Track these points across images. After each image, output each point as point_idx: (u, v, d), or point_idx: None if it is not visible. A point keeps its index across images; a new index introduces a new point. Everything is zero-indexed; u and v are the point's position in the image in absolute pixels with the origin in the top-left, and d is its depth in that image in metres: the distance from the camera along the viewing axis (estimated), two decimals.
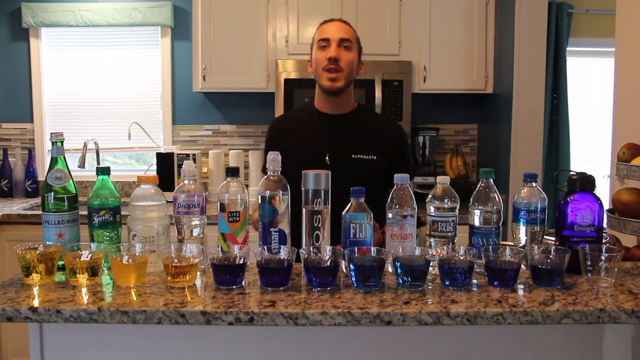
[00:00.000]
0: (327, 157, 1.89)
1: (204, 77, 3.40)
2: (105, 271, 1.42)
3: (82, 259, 1.32)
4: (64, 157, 1.47)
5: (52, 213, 1.42)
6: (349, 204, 1.40)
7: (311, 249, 1.34)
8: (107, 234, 1.44)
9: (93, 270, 1.32)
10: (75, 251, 1.34)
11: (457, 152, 3.78)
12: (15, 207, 3.27)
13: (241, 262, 1.30)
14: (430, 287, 1.30)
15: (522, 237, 1.45)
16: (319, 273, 1.29)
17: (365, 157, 1.90)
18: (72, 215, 1.44)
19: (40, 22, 3.66)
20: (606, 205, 1.53)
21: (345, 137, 1.95)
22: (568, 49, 3.67)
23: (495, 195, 1.43)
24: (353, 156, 1.89)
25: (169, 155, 3.45)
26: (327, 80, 1.91)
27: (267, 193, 1.38)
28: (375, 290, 1.27)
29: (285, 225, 1.40)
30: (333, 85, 1.91)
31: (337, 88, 1.92)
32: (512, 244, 1.45)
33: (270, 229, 1.39)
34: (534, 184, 1.46)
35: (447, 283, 1.30)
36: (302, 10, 3.40)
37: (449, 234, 1.43)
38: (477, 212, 1.43)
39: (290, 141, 1.98)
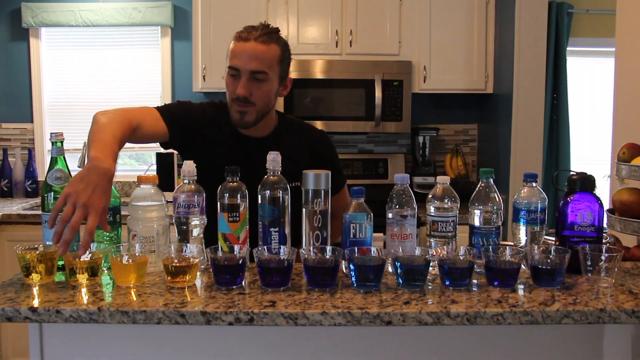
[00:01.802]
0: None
1: (204, 77, 3.40)
2: (105, 271, 1.42)
3: (81, 259, 1.32)
4: (64, 157, 1.46)
5: None
6: (349, 204, 1.40)
7: (311, 249, 1.34)
8: (107, 234, 1.44)
9: (93, 270, 1.32)
10: (74, 251, 1.34)
11: (457, 152, 3.78)
12: (15, 207, 3.27)
13: (241, 262, 1.30)
14: (430, 287, 1.30)
15: (522, 237, 1.45)
16: (319, 273, 1.29)
17: (290, 185, 1.53)
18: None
19: (40, 22, 3.66)
20: (606, 205, 1.53)
21: (263, 165, 1.55)
22: (568, 49, 3.67)
23: (495, 195, 1.43)
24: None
25: (169, 155, 3.45)
26: (236, 114, 1.71)
27: (268, 193, 1.38)
28: (375, 290, 1.27)
29: (285, 225, 1.40)
30: (242, 120, 1.71)
31: (247, 123, 1.72)
32: (512, 244, 1.45)
33: (270, 229, 1.39)
34: (534, 184, 1.45)
35: (447, 283, 1.30)
36: (302, 10, 3.41)
37: (449, 234, 1.43)
38: (477, 212, 1.43)
39: (209, 153, 1.76)
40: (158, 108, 1.74)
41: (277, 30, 1.74)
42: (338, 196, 1.83)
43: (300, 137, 1.89)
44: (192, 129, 1.76)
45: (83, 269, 1.31)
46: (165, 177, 3.38)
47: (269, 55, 1.68)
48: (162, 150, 3.54)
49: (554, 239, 1.46)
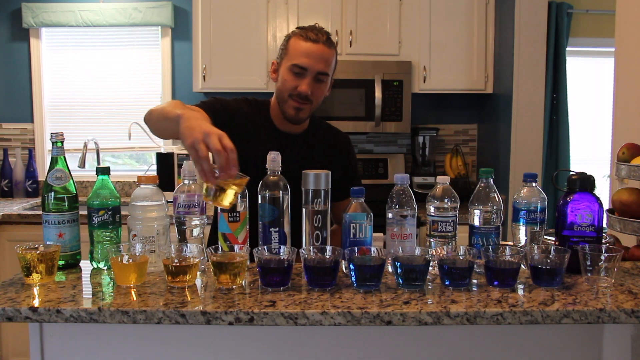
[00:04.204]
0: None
1: (204, 77, 3.41)
2: (105, 271, 1.43)
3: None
4: (64, 157, 1.47)
5: (52, 213, 1.42)
6: (349, 204, 1.40)
7: (311, 249, 1.34)
8: (107, 234, 1.44)
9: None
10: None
11: (457, 152, 3.78)
12: (16, 207, 3.27)
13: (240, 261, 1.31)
14: (430, 287, 1.30)
15: (522, 237, 1.45)
16: (319, 273, 1.29)
17: None
18: (72, 215, 1.44)
19: (41, 22, 3.66)
20: (606, 205, 1.53)
21: (299, 161, 1.71)
22: (568, 49, 3.67)
23: (495, 195, 1.43)
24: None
25: (169, 155, 3.45)
26: (292, 110, 1.77)
27: (268, 193, 1.38)
28: (375, 290, 1.27)
29: (285, 225, 1.40)
30: (297, 116, 1.79)
31: (300, 119, 1.81)
32: (512, 244, 1.45)
33: (270, 229, 1.39)
34: (533, 184, 1.46)
35: (447, 283, 1.30)
36: (302, 10, 3.40)
37: (449, 234, 1.43)
38: (477, 212, 1.43)
39: (243, 148, 1.68)
40: (197, 105, 1.75)
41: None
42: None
43: (328, 137, 1.96)
44: (230, 124, 1.76)
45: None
46: (165, 177, 3.38)
47: (331, 58, 1.80)
48: (162, 150, 3.56)
49: (553, 239, 1.46)
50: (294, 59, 1.75)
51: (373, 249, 1.35)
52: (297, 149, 1.85)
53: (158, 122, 1.65)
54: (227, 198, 1.30)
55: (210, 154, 1.27)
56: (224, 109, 1.79)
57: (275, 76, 1.85)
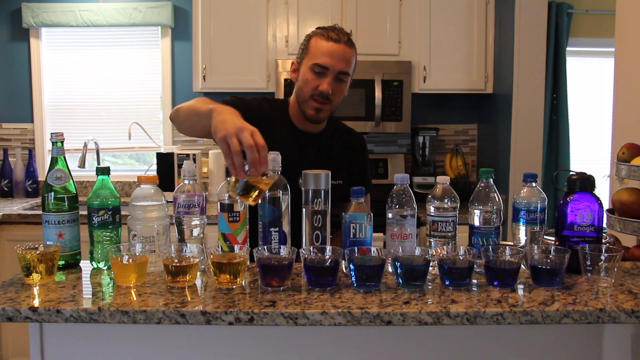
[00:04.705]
0: (300, 181, 1.67)
1: (204, 77, 3.41)
2: (105, 271, 1.43)
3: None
4: (64, 157, 1.47)
5: (52, 213, 1.42)
6: (349, 204, 1.40)
7: (311, 249, 1.34)
8: (107, 234, 1.44)
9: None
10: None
11: (457, 152, 3.78)
12: (16, 207, 3.27)
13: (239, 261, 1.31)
14: (430, 287, 1.30)
15: (522, 237, 1.45)
16: (319, 273, 1.29)
17: (333, 182, 1.56)
18: (72, 215, 1.44)
19: (41, 22, 3.66)
20: (606, 205, 1.53)
21: (317, 161, 1.79)
22: (568, 49, 3.67)
23: (495, 195, 1.43)
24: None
25: (169, 155, 3.45)
26: (312, 110, 1.78)
27: (268, 193, 1.38)
28: (375, 290, 1.27)
29: (285, 225, 1.40)
30: (317, 116, 1.80)
31: (320, 119, 1.82)
32: (512, 244, 1.45)
33: (271, 229, 1.39)
34: (533, 184, 1.46)
35: (447, 283, 1.30)
36: (302, 10, 3.41)
37: (449, 234, 1.43)
38: (477, 212, 1.43)
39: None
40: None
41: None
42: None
43: (345, 137, 1.98)
44: (251, 123, 1.76)
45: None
46: (165, 177, 3.38)
47: (352, 58, 1.80)
48: (162, 150, 3.56)
49: (553, 239, 1.46)
50: (315, 58, 1.76)
51: (373, 249, 1.34)
52: (315, 148, 1.87)
53: (188, 119, 1.65)
54: (254, 195, 1.30)
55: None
56: (246, 108, 1.76)
57: (295, 75, 1.85)
